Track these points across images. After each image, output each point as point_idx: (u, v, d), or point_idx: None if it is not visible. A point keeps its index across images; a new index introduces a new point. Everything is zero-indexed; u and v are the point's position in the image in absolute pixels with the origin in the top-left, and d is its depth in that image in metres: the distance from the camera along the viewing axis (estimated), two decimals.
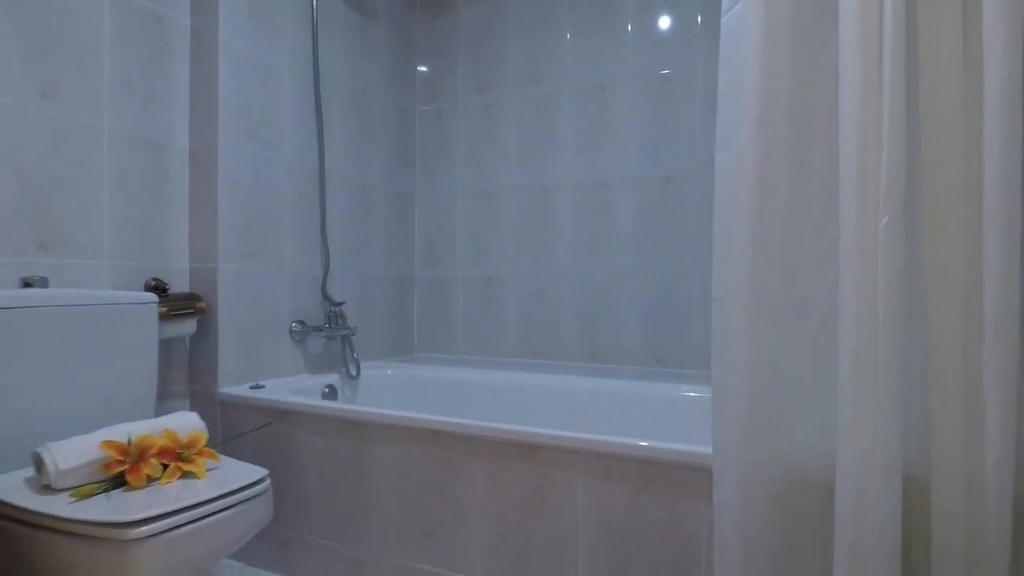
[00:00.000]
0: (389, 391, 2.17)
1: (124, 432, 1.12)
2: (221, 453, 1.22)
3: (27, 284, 1.31)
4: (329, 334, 2.01)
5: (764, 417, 1.02)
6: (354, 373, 2.06)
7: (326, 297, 2.04)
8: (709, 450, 1.11)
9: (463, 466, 1.37)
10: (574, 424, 1.35)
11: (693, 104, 2.04)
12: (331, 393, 1.95)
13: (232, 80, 1.72)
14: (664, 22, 2.10)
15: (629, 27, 2.14)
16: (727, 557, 1.04)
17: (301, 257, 1.97)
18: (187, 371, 1.73)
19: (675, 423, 1.82)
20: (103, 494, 1.03)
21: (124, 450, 1.08)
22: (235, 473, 1.15)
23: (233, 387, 1.71)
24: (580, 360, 2.22)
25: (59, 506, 0.98)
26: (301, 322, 1.96)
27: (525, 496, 1.30)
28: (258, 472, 1.14)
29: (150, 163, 1.64)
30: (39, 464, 1.05)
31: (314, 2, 1.96)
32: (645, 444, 1.19)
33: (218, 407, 1.68)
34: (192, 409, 1.70)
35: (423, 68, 2.55)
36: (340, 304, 2.04)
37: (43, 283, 1.32)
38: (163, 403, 1.60)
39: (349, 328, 2.03)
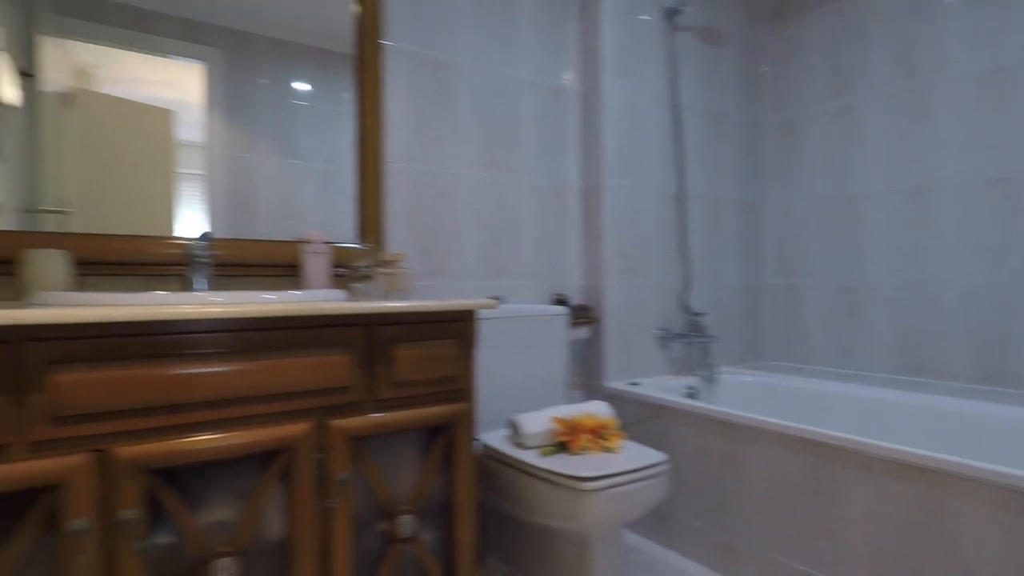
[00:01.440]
0: (746, 396, 2.29)
1: (563, 411, 1.54)
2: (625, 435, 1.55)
3: (488, 307, 1.87)
4: (689, 341, 2.24)
5: None
6: (712, 377, 2.25)
7: (686, 307, 2.27)
8: None
9: (839, 477, 1.42)
10: (962, 452, 1.27)
11: None
12: (692, 393, 2.18)
13: (611, 130, 2.10)
14: None
15: None
16: None
17: (663, 271, 2.26)
18: (581, 368, 2.18)
19: None
20: (555, 455, 1.45)
21: (568, 425, 1.49)
22: (640, 453, 1.46)
23: (615, 382, 2.08)
24: (972, 381, 1.96)
25: (531, 458, 1.42)
26: (664, 329, 2.24)
27: (916, 519, 1.29)
28: (660, 455, 1.43)
29: (555, 204, 2.12)
30: (514, 427, 1.54)
31: (673, 48, 2.22)
32: None
33: (606, 399, 2.07)
34: (586, 399, 2.14)
35: (772, 81, 2.58)
36: (700, 315, 2.25)
37: (502, 300, 1.88)
38: (565, 392, 2.07)
39: (709, 337, 2.23)
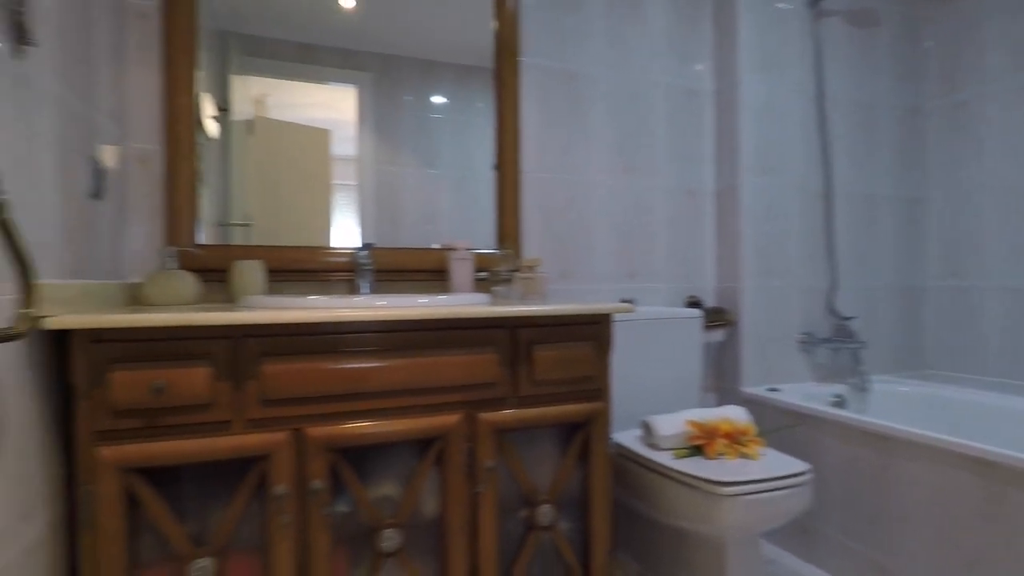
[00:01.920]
0: (903, 407, 2.11)
1: (698, 415, 1.54)
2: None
3: (624, 311, 1.90)
4: (836, 346, 2.10)
5: None
6: (864, 385, 2.09)
7: (833, 311, 2.14)
8: None
9: (1018, 503, 1.28)
10: None
11: None
12: (840, 402, 2.04)
13: (748, 128, 2.03)
14: None
15: None
16: None
17: (807, 272, 2.14)
18: (714, 371, 2.13)
19: None
20: (691, 457, 1.45)
21: (703, 429, 1.48)
22: (780, 462, 1.41)
23: (752, 387, 2.02)
24: None
25: (665, 459, 1.44)
26: (808, 333, 2.12)
27: None
28: (802, 465, 1.38)
29: (687, 206, 2.10)
30: (647, 428, 1.56)
31: (818, 36, 2.09)
32: None
33: (742, 403, 2.02)
34: (719, 403, 2.09)
35: (937, 60, 2.33)
36: (849, 319, 2.10)
37: (634, 303, 1.90)
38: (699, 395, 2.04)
39: (859, 342, 2.07)
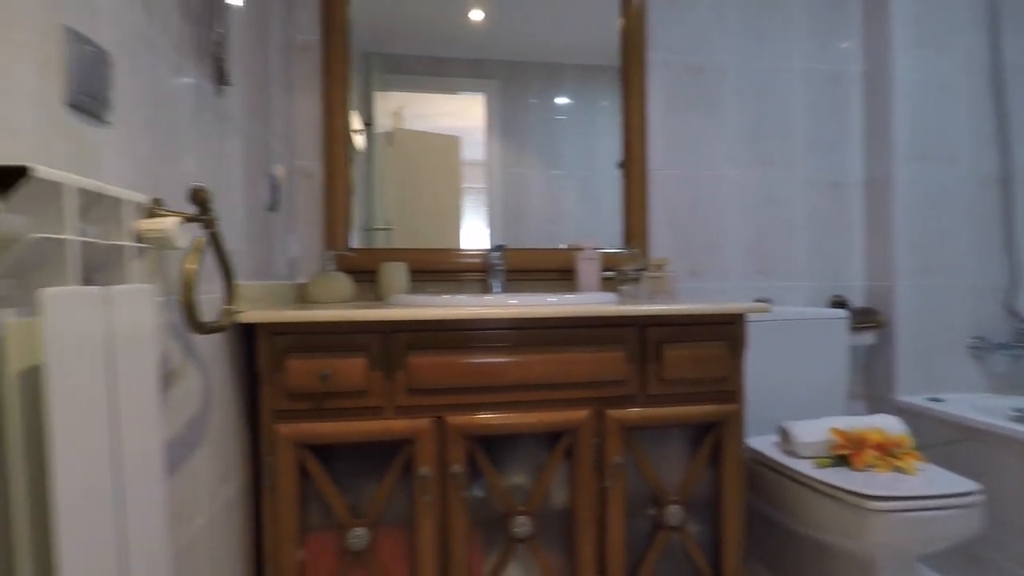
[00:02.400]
0: None
1: (843, 423, 1.43)
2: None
3: (759, 311, 1.82)
4: (1017, 353, 1.84)
5: None
6: None
7: (1013, 312, 1.88)
8: None
9: None
10: None
11: None
12: (1022, 417, 1.79)
13: (903, 111, 1.84)
14: None
15: None
16: None
17: (976, 269, 1.89)
18: (863, 376, 1.97)
19: None
20: (834, 467, 1.36)
21: (849, 438, 1.38)
22: (942, 479, 1.28)
23: (909, 396, 1.83)
24: None
25: (806, 468, 1.36)
26: (980, 338, 1.88)
27: None
28: (970, 484, 1.24)
29: (830, 198, 1.95)
30: (784, 434, 1.48)
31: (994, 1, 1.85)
32: None
33: (895, 413, 1.84)
34: (869, 411, 1.93)
35: None
36: None
37: (770, 302, 1.81)
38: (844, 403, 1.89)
39: None
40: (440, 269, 1.69)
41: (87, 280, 0.48)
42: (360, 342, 1.15)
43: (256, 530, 1.21)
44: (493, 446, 1.24)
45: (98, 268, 0.51)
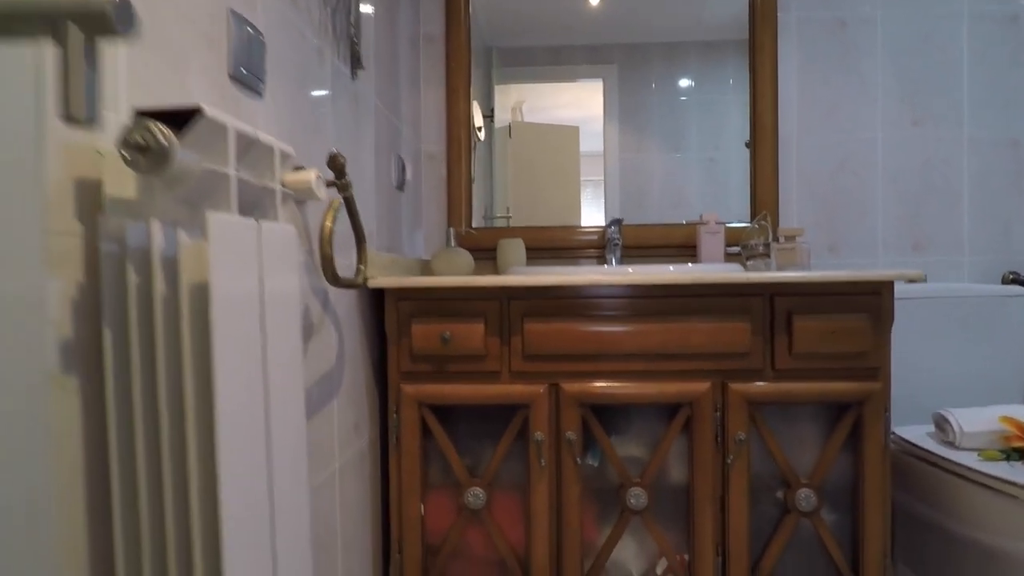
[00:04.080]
0: None
1: (1017, 411, 1.24)
2: None
3: (911, 280, 1.63)
4: None
5: None
6: None
7: None
8: None
9: None
10: None
11: None
12: None
13: None
14: None
15: None
16: None
17: None
18: None
19: None
20: (1005, 461, 1.19)
21: (1022, 427, 1.20)
22: None
23: None
24: None
25: (969, 460, 1.20)
26: None
27: None
28: None
29: (1007, 160, 1.69)
30: (941, 423, 1.32)
31: None
32: None
33: None
34: None
35: None
36: None
37: (922, 279, 1.61)
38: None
39: None
40: (557, 246, 1.71)
41: (242, 206, 0.55)
42: (478, 308, 1.19)
43: (384, 482, 1.31)
44: (608, 415, 1.23)
45: (252, 206, 0.59)
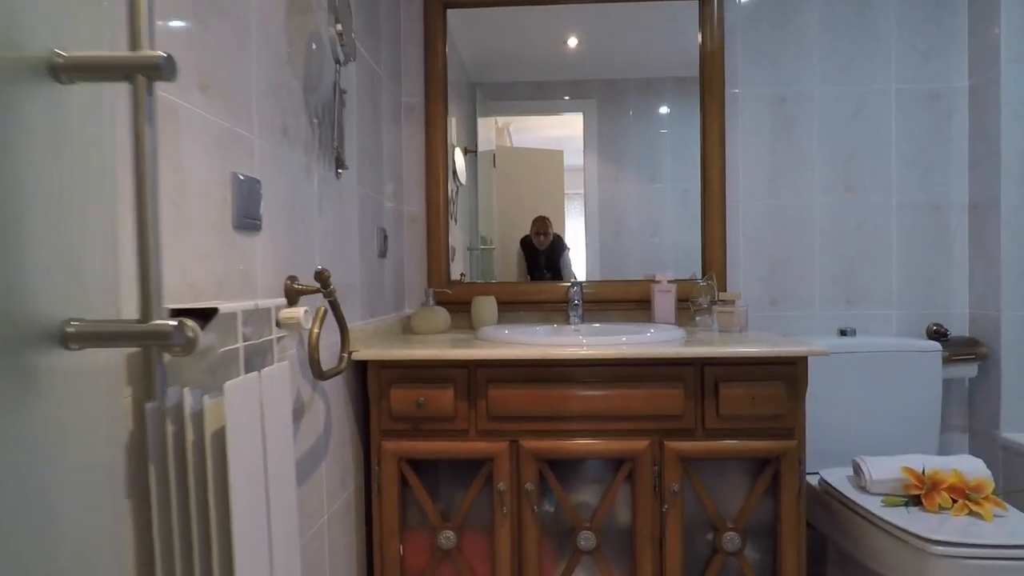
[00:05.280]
0: None
1: (919, 462, 1.43)
2: (1008, 503, 1.34)
3: (842, 333, 1.82)
4: None
5: None
6: None
7: None
8: None
9: None
10: None
11: None
12: None
13: (1016, 127, 1.74)
14: None
15: None
16: None
17: None
18: (966, 409, 1.88)
19: None
20: (903, 507, 1.37)
21: (920, 478, 1.38)
22: None
23: (1014, 434, 1.73)
24: None
25: (874, 505, 1.38)
26: None
27: None
28: None
29: (929, 223, 1.88)
30: (857, 469, 1.50)
31: None
32: None
33: (1000, 451, 1.75)
34: (972, 447, 1.84)
35: None
36: None
37: (852, 333, 1.80)
38: (940, 435, 1.83)
39: None
40: (528, 300, 1.88)
41: (248, 364, 0.73)
42: (449, 375, 1.37)
43: (367, 527, 1.48)
44: (562, 467, 1.41)
45: (255, 353, 0.76)
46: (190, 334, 0.59)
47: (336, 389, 1.30)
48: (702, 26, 1.87)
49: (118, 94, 0.54)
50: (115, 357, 0.60)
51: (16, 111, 0.39)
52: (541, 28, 1.92)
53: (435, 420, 1.37)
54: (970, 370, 1.79)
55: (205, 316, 0.64)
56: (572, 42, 1.93)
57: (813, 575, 1.81)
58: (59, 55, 0.42)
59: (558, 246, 1.96)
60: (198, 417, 0.65)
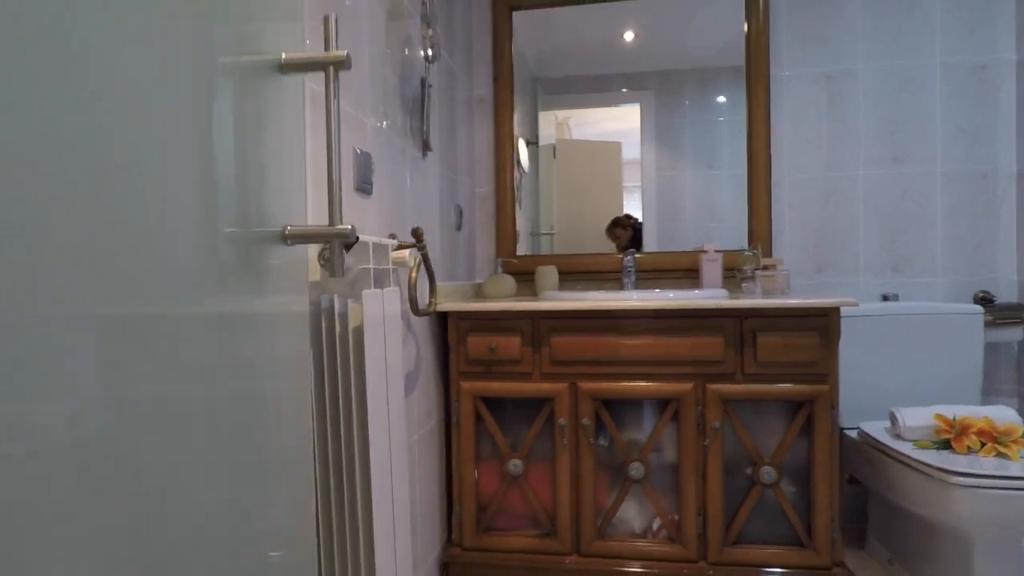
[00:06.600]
0: None
1: (950, 411, 1.54)
2: None
3: (884, 298, 1.92)
4: None
5: None
6: None
7: None
8: None
9: None
10: None
11: None
12: None
13: None
14: None
15: None
16: None
17: None
18: (1015, 373, 1.94)
19: None
20: (934, 450, 1.49)
21: (950, 423, 1.50)
22: None
23: None
24: None
25: (907, 449, 1.51)
26: None
27: None
28: None
29: (976, 190, 1.95)
30: (893, 419, 1.62)
31: None
32: None
33: None
34: (1022, 412, 1.90)
35: None
36: None
37: (895, 298, 1.90)
38: (988, 398, 1.90)
39: None
40: (585, 271, 2.09)
41: (376, 282, 0.98)
42: (517, 325, 1.60)
43: (447, 456, 1.74)
44: (615, 407, 1.61)
45: (378, 278, 1.01)
46: (356, 236, 0.84)
47: (424, 332, 1.56)
48: (748, 13, 2.01)
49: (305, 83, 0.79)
50: (304, 257, 0.86)
51: (263, 95, 0.65)
52: (598, 24, 2.12)
53: (505, 363, 1.60)
54: (1016, 333, 1.85)
55: (347, 246, 0.89)
56: (628, 36, 2.11)
57: (854, 529, 1.94)
58: (282, 56, 0.67)
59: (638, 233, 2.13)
60: (344, 316, 0.90)
